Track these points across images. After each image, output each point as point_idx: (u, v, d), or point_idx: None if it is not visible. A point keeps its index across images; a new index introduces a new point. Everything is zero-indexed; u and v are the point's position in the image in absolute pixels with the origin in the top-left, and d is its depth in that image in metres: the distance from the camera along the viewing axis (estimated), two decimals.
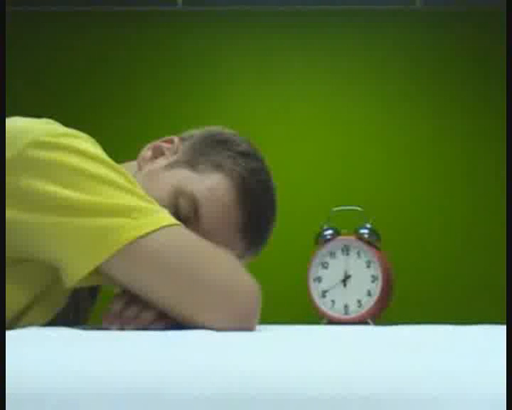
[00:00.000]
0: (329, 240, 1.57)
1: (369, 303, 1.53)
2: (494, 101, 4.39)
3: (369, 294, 1.53)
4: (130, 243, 1.07)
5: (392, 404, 0.51)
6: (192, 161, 1.27)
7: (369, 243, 1.56)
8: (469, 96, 4.41)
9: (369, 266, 1.54)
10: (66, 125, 1.33)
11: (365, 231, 1.57)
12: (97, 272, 1.07)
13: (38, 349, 0.64)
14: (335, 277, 1.56)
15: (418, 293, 4.33)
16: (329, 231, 1.58)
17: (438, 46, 4.43)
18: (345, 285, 1.55)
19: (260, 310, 1.12)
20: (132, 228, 1.07)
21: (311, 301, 1.58)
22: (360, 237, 1.56)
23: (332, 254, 1.57)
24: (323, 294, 1.56)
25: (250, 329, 1.10)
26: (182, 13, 4.50)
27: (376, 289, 1.53)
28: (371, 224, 1.62)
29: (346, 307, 1.55)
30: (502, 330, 1.22)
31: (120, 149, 4.47)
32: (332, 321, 1.56)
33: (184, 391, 0.53)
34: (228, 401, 0.52)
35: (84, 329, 1.10)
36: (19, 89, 4.47)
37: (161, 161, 1.28)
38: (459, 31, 4.43)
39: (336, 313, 1.55)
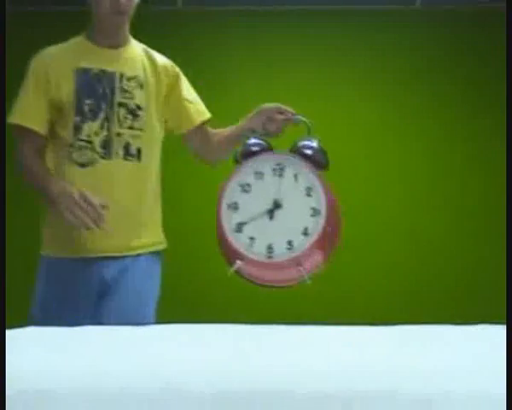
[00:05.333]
0: (255, 154, 1.12)
1: (303, 246, 1.08)
2: (494, 100, 4.39)
3: (305, 233, 1.08)
4: None
5: (393, 403, 0.51)
6: None
7: (313, 162, 1.10)
8: (469, 95, 4.41)
9: (309, 195, 1.09)
10: None
11: (307, 143, 1.12)
12: None
13: (38, 349, 0.64)
14: (259, 205, 1.09)
15: (418, 293, 4.33)
16: (255, 141, 1.12)
17: (438, 46, 4.43)
18: (271, 217, 1.08)
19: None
20: None
21: (220, 237, 1.09)
22: (299, 153, 1.11)
23: (258, 175, 1.11)
24: (239, 227, 1.10)
25: None
26: (181, 13, 4.50)
27: (317, 227, 1.07)
28: (318, 141, 1.12)
29: (269, 248, 1.09)
30: (502, 330, 1.22)
31: None
32: (247, 266, 1.11)
33: (184, 391, 0.53)
34: (227, 400, 0.52)
35: (83, 328, 1.10)
36: (19, 89, 4.46)
37: None
38: (459, 30, 4.43)
39: (255, 254, 1.09)
